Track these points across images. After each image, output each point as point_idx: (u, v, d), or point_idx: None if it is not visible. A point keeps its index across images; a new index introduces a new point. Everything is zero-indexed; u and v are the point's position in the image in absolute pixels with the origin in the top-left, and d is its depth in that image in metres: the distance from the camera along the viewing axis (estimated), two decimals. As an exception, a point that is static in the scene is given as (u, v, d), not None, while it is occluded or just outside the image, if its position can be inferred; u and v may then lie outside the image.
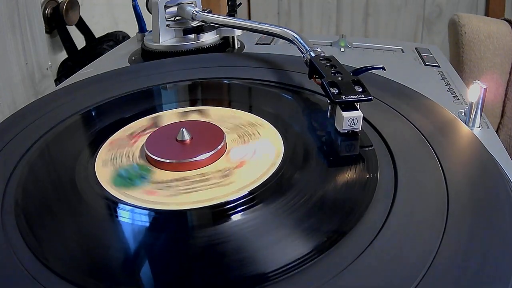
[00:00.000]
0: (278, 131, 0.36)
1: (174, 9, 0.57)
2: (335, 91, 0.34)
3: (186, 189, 0.30)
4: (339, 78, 0.36)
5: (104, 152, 0.34)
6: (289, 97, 0.42)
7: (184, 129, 0.33)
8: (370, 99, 0.34)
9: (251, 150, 0.33)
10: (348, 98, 0.34)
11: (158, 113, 0.40)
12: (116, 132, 0.37)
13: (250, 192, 0.29)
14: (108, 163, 0.33)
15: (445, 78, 0.49)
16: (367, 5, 1.42)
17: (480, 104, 0.37)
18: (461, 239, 0.24)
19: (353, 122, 0.34)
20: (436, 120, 0.36)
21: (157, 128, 0.36)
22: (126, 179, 0.31)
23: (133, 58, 0.58)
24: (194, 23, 0.58)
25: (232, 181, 0.30)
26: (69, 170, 0.33)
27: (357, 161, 0.32)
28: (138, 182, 0.31)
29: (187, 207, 0.28)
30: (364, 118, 0.34)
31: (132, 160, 0.33)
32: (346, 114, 0.34)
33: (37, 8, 0.68)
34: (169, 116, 0.39)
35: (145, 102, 0.43)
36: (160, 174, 0.31)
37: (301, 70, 0.44)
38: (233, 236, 0.26)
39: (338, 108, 0.34)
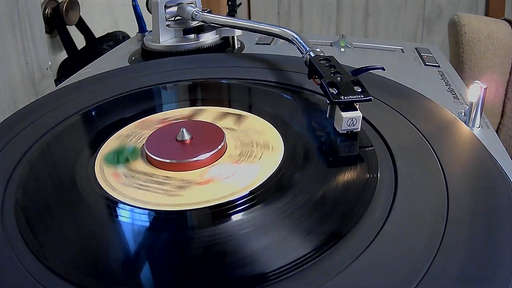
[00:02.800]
0: (278, 132, 0.35)
1: (174, 9, 0.57)
2: (334, 91, 0.34)
3: (141, 185, 0.30)
4: (339, 78, 0.36)
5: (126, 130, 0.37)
6: (289, 97, 0.42)
7: (184, 129, 0.33)
8: (370, 100, 0.34)
9: (232, 172, 0.31)
10: (347, 99, 0.34)
11: (198, 107, 0.41)
12: (152, 115, 0.39)
13: (250, 193, 0.29)
14: (121, 138, 0.36)
15: (445, 78, 0.49)
16: (367, 5, 1.42)
17: (480, 104, 0.37)
18: (461, 239, 0.24)
19: (352, 122, 0.34)
20: (436, 120, 0.36)
21: (157, 128, 0.36)
22: (116, 157, 0.33)
23: (133, 58, 0.58)
24: (194, 23, 0.58)
25: (182, 195, 0.29)
26: (69, 170, 0.33)
27: (357, 161, 0.32)
28: (120, 163, 0.33)
29: (188, 208, 0.28)
30: (364, 118, 0.34)
31: (137, 142, 0.35)
32: (345, 115, 0.33)
33: (37, 8, 0.68)
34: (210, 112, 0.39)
35: (145, 102, 0.43)
36: (141, 165, 0.32)
37: (301, 70, 0.44)
38: (232, 237, 0.26)
39: (337, 108, 0.34)
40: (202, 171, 0.31)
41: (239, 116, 0.38)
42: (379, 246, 0.24)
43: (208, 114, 0.39)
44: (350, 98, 0.34)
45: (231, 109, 0.40)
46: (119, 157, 0.34)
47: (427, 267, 0.23)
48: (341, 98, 0.34)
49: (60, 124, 0.39)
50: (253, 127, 0.36)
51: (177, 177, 0.31)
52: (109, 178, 0.31)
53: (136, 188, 0.30)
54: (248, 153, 0.33)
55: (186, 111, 0.40)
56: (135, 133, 0.37)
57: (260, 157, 0.32)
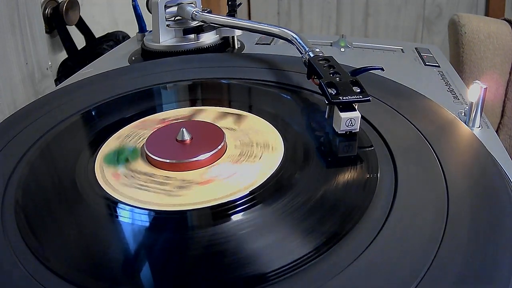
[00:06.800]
0: (278, 132, 0.35)
1: (174, 9, 0.57)
2: (333, 91, 0.34)
3: (141, 185, 0.30)
4: (337, 78, 0.36)
5: (126, 130, 0.37)
6: (288, 97, 0.42)
7: (184, 129, 0.33)
8: (368, 100, 0.34)
9: (233, 172, 0.31)
10: (346, 99, 0.33)
11: (198, 106, 0.41)
12: (152, 115, 0.40)
13: (251, 192, 0.29)
14: (121, 138, 0.36)
15: (445, 78, 0.49)
16: (367, 5, 1.42)
17: (480, 104, 0.37)
18: (461, 239, 0.24)
19: (351, 122, 0.34)
20: (436, 120, 0.36)
21: (157, 128, 0.36)
22: (116, 157, 0.33)
23: (133, 58, 0.58)
24: (194, 23, 0.58)
25: (182, 195, 0.29)
26: (69, 170, 0.33)
27: (357, 161, 0.32)
28: (120, 163, 0.33)
29: (189, 208, 0.28)
30: (364, 118, 0.34)
31: (137, 142, 0.35)
32: (344, 115, 0.33)
33: (37, 8, 0.68)
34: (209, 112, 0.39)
35: (145, 102, 0.43)
36: (141, 165, 0.32)
37: (301, 70, 0.44)
38: (233, 236, 0.26)
39: (336, 108, 0.34)
40: (202, 171, 0.31)
41: (239, 116, 0.38)
42: (379, 246, 0.24)
43: (208, 114, 0.39)
44: (349, 99, 0.33)
45: (231, 109, 0.40)
46: (119, 157, 0.34)
47: (427, 267, 0.23)
48: (339, 99, 0.33)
49: (60, 124, 0.39)
50: (252, 127, 0.36)
51: (178, 177, 0.31)
52: (109, 178, 0.31)
53: (137, 189, 0.30)
54: (248, 153, 0.33)
55: (185, 111, 0.40)
56: (135, 133, 0.37)
57: (260, 157, 0.32)
